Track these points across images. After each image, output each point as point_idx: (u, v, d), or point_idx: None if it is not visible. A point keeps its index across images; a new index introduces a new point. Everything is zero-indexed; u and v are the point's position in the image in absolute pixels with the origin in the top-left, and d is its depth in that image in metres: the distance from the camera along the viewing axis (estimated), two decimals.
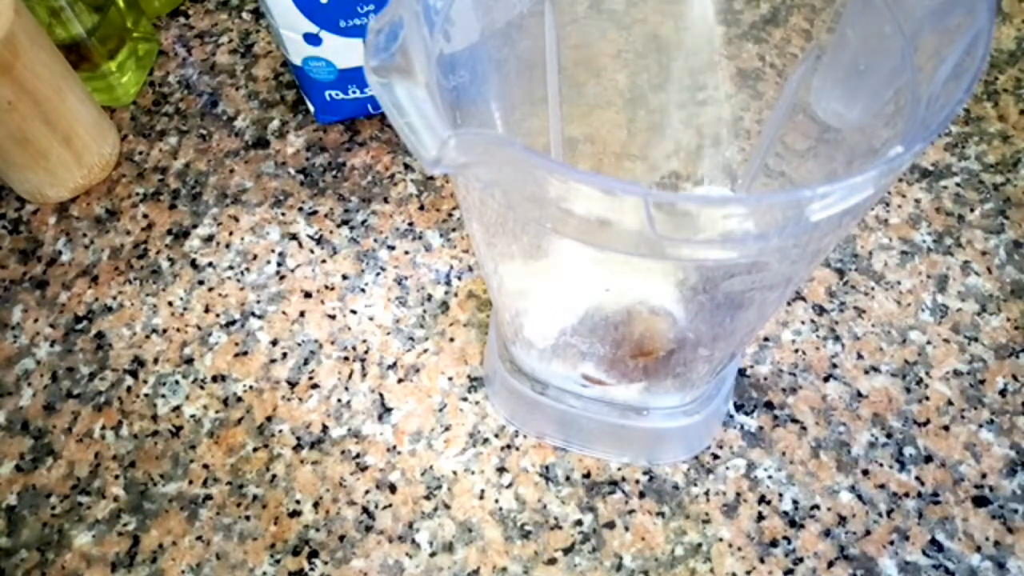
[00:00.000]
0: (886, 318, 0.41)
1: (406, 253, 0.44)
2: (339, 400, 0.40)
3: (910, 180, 0.45)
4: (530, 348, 0.34)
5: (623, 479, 0.37)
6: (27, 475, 0.38)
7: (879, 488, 0.37)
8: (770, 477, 0.37)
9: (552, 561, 0.36)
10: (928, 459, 0.37)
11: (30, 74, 0.40)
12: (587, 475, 0.37)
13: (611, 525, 0.36)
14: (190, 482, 0.38)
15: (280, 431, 0.39)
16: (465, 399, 0.39)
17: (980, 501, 0.36)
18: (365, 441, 0.39)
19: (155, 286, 0.43)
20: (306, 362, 0.41)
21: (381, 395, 0.40)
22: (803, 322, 0.41)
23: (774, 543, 0.36)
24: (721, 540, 0.36)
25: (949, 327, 0.41)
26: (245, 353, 0.41)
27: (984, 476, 0.37)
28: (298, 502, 0.37)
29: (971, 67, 0.21)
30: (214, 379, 0.40)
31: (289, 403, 0.40)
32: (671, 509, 0.37)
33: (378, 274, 0.43)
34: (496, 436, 0.38)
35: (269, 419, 0.39)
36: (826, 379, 0.39)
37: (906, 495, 0.37)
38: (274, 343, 0.41)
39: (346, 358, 0.41)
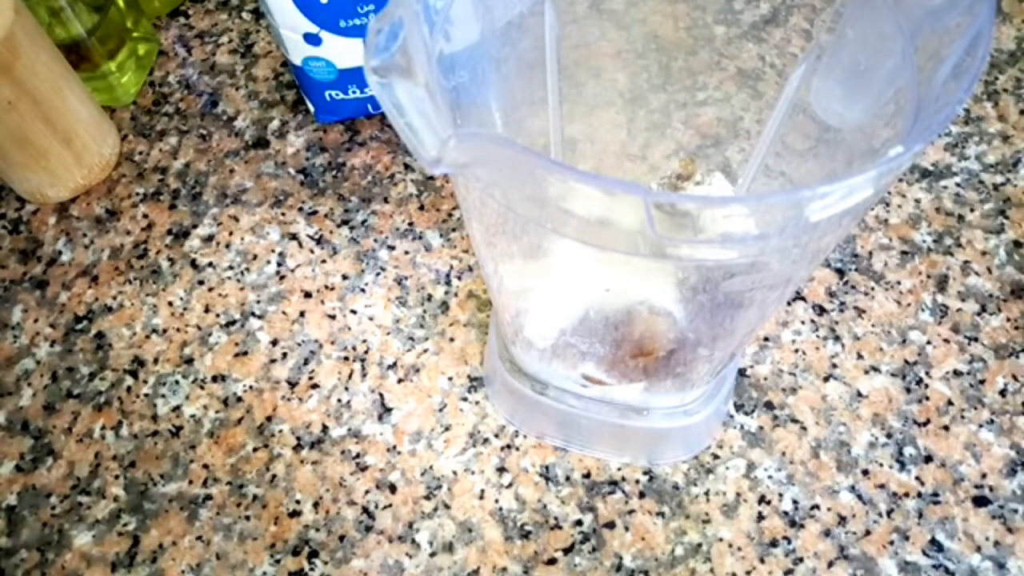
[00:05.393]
0: (886, 318, 0.41)
1: (406, 253, 0.44)
2: (339, 400, 0.40)
3: (910, 180, 0.45)
4: (530, 348, 0.34)
5: (623, 479, 0.37)
6: (27, 475, 0.38)
7: (879, 488, 0.37)
8: (770, 477, 0.37)
9: (552, 561, 0.36)
10: (928, 459, 0.37)
11: (30, 74, 0.40)
12: (587, 475, 0.37)
13: (611, 525, 0.36)
14: (190, 482, 0.38)
15: (280, 431, 0.39)
16: (465, 399, 0.39)
17: (980, 501, 0.36)
18: (365, 441, 0.39)
19: (155, 286, 0.43)
20: (306, 362, 0.41)
21: (381, 395, 0.40)
22: (803, 322, 0.41)
23: (774, 543, 0.36)
24: (721, 540, 0.36)
25: (949, 327, 0.41)
26: (245, 353, 0.41)
27: (984, 476, 0.37)
28: (298, 502, 0.37)
29: (971, 67, 0.21)
30: (214, 379, 0.40)
31: (289, 403, 0.40)
32: (671, 509, 0.37)
33: (378, 274, 0.43)
34: (496, 436, 0.38)
35: (269, 419, 0.39)
36: (826, 379, 0.39)
37: (906, 495, 0.37)
38: (274, 343, 0.41)
39: (346, 358, 0.41)
